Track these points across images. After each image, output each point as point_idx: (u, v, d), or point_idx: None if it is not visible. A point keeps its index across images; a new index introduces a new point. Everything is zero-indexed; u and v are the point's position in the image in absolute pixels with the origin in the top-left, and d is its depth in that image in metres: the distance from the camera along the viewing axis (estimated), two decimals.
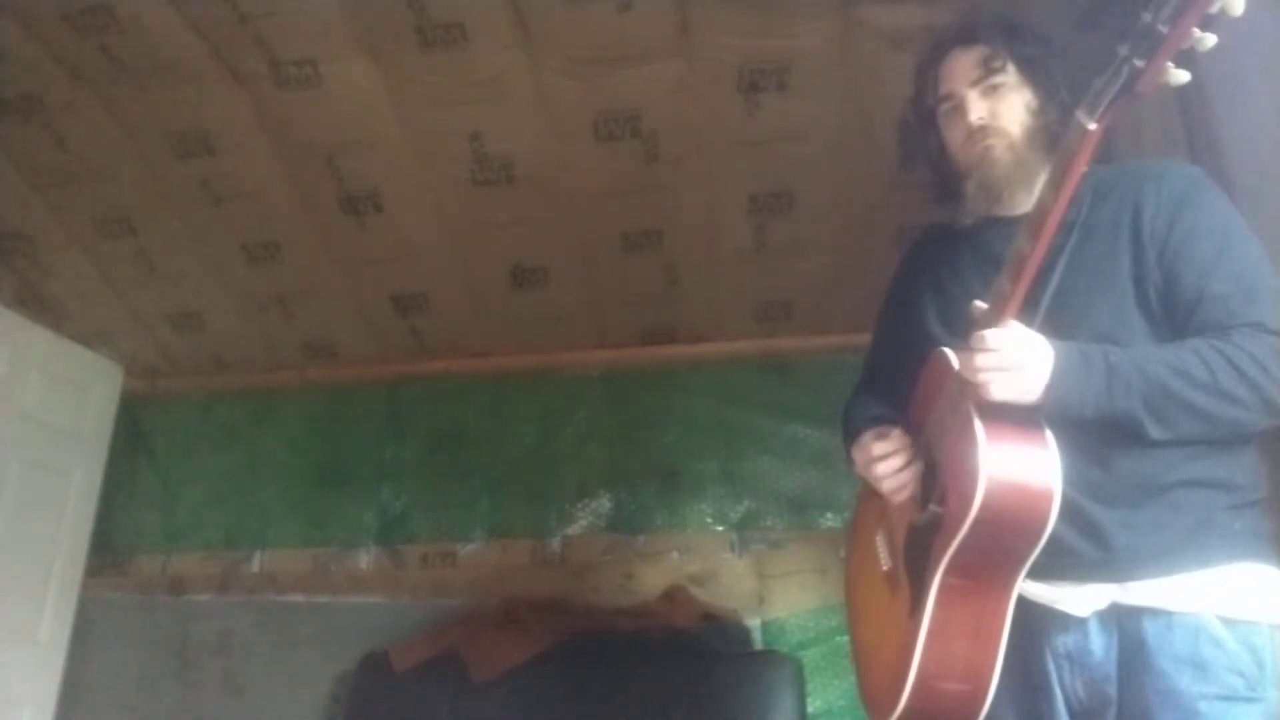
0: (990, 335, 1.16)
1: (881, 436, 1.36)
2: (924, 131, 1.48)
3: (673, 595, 2.94)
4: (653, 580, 3.00)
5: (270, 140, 2.66)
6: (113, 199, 2.89)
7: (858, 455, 1.39)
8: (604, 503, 3.16)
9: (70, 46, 2.42)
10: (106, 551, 3.30)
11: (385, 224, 2.86)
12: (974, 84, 1.37)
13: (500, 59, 2.39)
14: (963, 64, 1.39)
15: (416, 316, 3.19)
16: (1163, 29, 0.95)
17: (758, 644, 2.87)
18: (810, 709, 2.65)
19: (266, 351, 3.38)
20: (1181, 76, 0.99)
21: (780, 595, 2.91)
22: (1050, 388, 1.16)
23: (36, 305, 3.18)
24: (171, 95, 2.54)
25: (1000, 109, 1.36)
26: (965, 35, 1.42)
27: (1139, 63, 0.98)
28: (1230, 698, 1.14)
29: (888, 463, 1.32)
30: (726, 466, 3.12)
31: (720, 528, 3.07)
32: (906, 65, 2.25)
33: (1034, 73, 1.37)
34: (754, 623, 2.90)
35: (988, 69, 1.37)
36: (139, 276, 3.12)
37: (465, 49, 2.35)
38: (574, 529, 3.14)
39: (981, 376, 1.16)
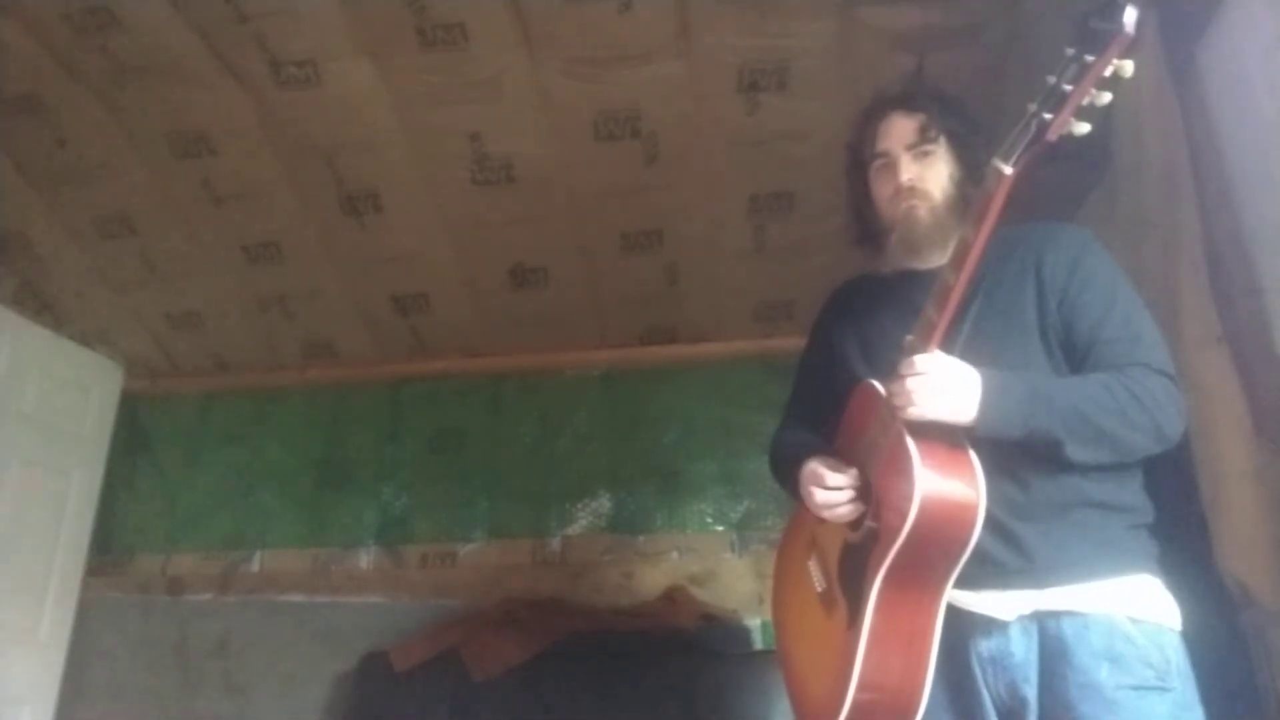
0: (919, 360, 1.28)
1: (834, 467, 1.42)
2: (854, 179, 1.61)
3: (673, 595, 2.94)
4: (653, 580, 3.00)
5: (270, 140, 2.66)
6: (113, 199, 2.89)
7: (808, 478, 1.47)
8: (604, 503, 3.16)
9: (70, 46, 2.42)
10: (106, 551, 3.31)
11: (385, 224, 2.86)
12: (909, 148, 1.50)
13: (500, 59, 2.39)
14: (901, 127, 1.52)
15: (416, 316, 3.20)
16: (1066, 88, 1.11)
17: (758, 644, 2.87)
18: None
19: (266, 351, 3.39)
20: (1082, 128, 1.14)
21: None
22: (982, 409, 1.28)
23: (36, 305, 3.19)
24: (171, 95, 2.54)
25: (928, 175, 1.49)
26: (908, 102, 1.55)
27: (1047, 116, 1.13)
28: (1143, 687, 1.25)
29: (839, 494, 1.40)
30: (726, 466, 3.12)
31: (720, 528, 3.07)
32: (906, 65, 2.28)
33: (961, 148, 1.50)
34: (754, 623, 2.91)
35: (923, 136, 1.50)
36: (139, 276, 3.13)
37: (465, 49, 2.36)
38: (574, 529, 3.14)
39: (914, 398, 1.27)
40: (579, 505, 3.16)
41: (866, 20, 2.24)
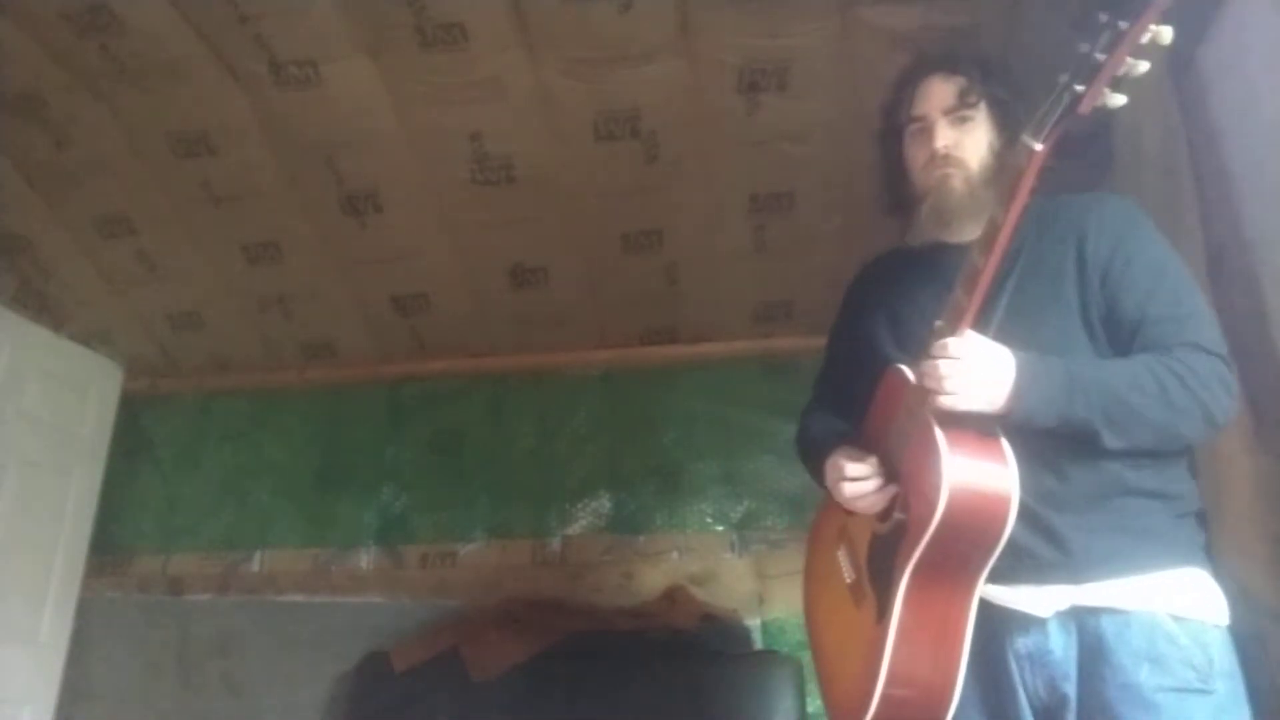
0: (953, 343, 1.21)
1: (856, 458, 1.38)
2: (888, 144, 1.54)
3: (673, 595, 2.94)
4: (653, 580, 3.00)
5: (270, 140, 2.66)
6: (113, 199, 2.89)
7: (832, 471, 1.42)
8: (604, 503, 3.16)
9: (70, 46, 2.42)
10: (106, 551, 3.30)
11: (385, 224, 2.86)
12: (947, 112, 1.43)
13: (500, 59, 2.39)
14: (940, 91, 1.44)
15: (416, 316, 3.19)
16: (1100, 58, 1.04)
17: (758, 644, 2.87)
18: (810, 709, 2.65)
19: (266, 351, 3.38)
20: (1117, 100, 1.07)
21: (780, 595, 2.90)
22: (1015, 395, 1.21)
23: (36, 305, 3.18)
24: (171, 95, 2.54)
25: (965, 142, 1.41)
26: (948, 64, 1.47)
27: (1079, 88, 1.06)
28: (1185, 689, 1.20)
29: (862, 485, 1.35)
30: (726, 466, 3.12)
31: (720, 528, 3.07)
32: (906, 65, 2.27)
33: (1002, 115, 1.42)
34: (754, 623, 2.91)
35: (962, 102, 1.42)
36: (139, 276, 3.13)
37: (465, 49, 2.35)
38: (574, 529, 3.14)
39: (945, 384, 1.20)
40: (579, 505, 3.16)
41: (866, 20, 2.24)
